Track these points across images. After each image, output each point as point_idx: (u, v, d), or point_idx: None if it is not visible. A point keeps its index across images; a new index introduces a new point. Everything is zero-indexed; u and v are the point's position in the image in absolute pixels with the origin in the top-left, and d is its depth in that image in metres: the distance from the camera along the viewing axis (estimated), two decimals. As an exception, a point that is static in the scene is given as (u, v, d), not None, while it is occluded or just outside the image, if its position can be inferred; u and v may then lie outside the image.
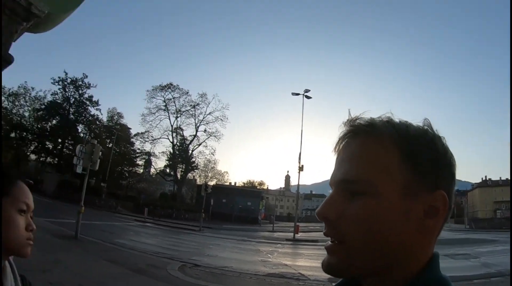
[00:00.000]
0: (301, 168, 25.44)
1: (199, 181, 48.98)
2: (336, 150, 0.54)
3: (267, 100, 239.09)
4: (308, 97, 26.90)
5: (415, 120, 0.53)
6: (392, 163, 0.48)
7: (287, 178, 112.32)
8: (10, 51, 1.64)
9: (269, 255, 12.29)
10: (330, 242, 0.50)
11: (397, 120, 0.53)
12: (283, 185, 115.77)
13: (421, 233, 0.48)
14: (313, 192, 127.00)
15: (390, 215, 0.46)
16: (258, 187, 63.80)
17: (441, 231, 0.51)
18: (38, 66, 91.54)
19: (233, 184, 62.20)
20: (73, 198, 29.89)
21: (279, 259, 11.35)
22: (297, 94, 27.05)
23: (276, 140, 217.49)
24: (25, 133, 45.36)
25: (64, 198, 32.78)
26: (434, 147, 0.50)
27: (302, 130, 26.30)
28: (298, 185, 27.36)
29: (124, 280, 6.30)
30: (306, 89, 26.82)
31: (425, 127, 0.52)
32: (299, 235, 22.56)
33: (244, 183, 69.88)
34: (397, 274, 0.48)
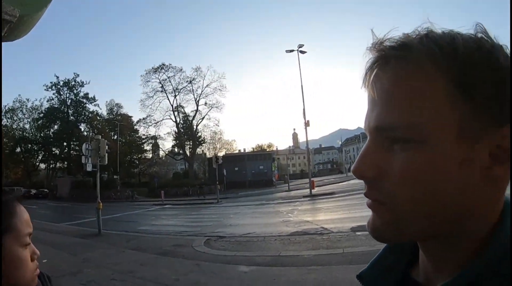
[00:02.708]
0: (307, 124, 25.35)
1: (208, 154, 49.23)
2: (365, 86, 0.40)
3: (264, 61, 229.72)
4: (302, 52, 26.08)
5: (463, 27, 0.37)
6: (439, 96, 0.35)
7: (295, 135, 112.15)
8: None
9: (289, 215, 12.38)
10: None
11: (439, 31, 0.37)
12: (291, 144, 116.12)
13: (489, 185, 0.35)
14: (322, 146, 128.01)
15: (446, 167, 0.34)
16: (267, 150, 64.57)
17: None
18: (27, 75, 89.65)
19: (242, 151, 62.31)
20: (89, 197, 30.22)
21: (300, 217, 11.50)
22: (291, 51, 26.16)
23: (279, 99, 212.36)
24: (29, 145, 45.74)
25: (80, 199, 32.53)
26: (496, 64, 0.35)
27: (302, 86, 25.97)
28: (307, 141, 27.35)
29: (152, 265, 6.35)
30: (300, 45, 26.03)
31: (479, 36, 0.36)
32: (316, 190, 22.69)
33: (253, 148, 70.83)
34: (464, 240, 0.37)
